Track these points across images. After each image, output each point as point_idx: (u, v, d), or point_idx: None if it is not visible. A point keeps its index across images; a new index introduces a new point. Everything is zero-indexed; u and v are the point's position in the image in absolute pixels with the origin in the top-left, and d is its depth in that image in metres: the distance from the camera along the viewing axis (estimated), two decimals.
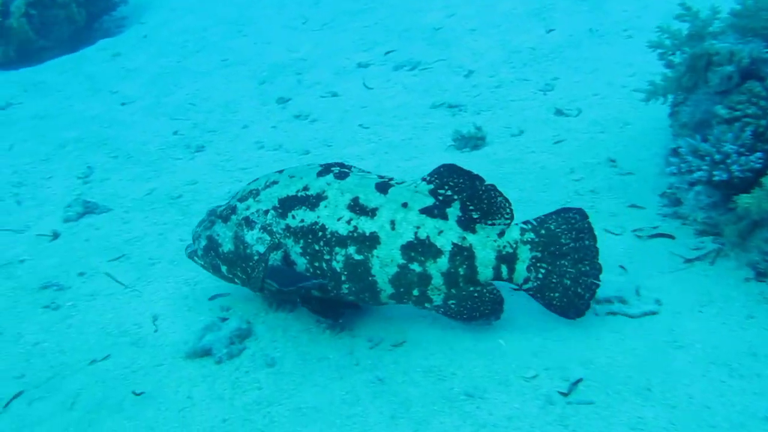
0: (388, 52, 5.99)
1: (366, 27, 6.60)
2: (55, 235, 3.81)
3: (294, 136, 4.83)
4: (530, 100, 4.79)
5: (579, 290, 2.56)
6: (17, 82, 6.37)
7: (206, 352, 2.79)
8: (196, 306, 3.08)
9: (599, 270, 2.57)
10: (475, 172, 2.62)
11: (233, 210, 2.85)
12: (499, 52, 5.68)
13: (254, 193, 2.82)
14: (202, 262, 2.94)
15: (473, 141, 4.26)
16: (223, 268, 2.86)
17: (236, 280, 2.89)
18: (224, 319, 2.94)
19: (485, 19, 6.29)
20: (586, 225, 2.58)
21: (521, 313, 2.77)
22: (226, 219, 2.86)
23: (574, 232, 2.57)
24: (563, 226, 2.57)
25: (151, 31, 7.45)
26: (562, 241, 2.56)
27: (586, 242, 2.57)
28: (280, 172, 2.87)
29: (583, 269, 2.56)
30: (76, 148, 4.94)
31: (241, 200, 2.86)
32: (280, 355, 2.76)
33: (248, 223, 2.78)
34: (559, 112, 4.46)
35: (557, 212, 2.61)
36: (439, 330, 2.78)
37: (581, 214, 2.59)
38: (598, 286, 2.57)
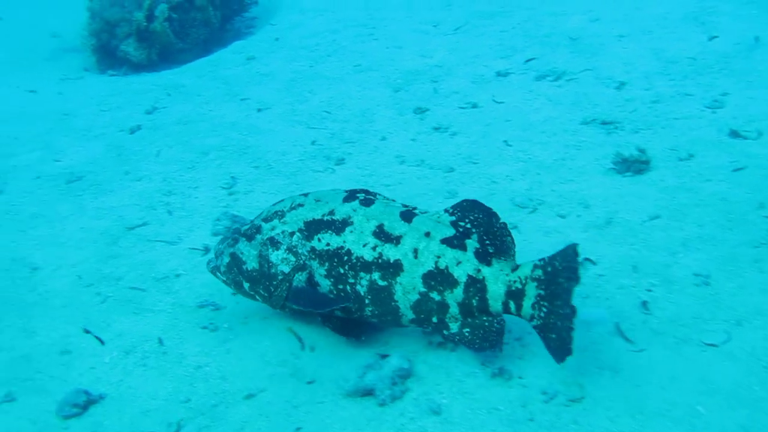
0: (528, 60, 5.70)
1: (503, 32, 6.33)
2: (207, 250, 3.84)
3: (435, 150, 4.67)
4: (696, 118, 4.38)
5: (563, 334, 2.47)
6: (161, 85, 6.58)
7: (368, 392, 2.68)
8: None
9: (574, 311, 2.45)
10: (494, 210, 2.69)
11: (258, 230, 2.92)
12: (652, 61, 5.26)
13: (279, 215, 2.89)
14: (224, 278, 3.02)
15: (636, 165, 3.92)
16: (246, 285, 2.94)
17: (257, 297, 2.97)
18: (384, 356, 2.82)
19: (634, 24, 5.85)
20: (576, 265, 2.46)
21: (720, 376, 2.47)
22: (250, 238, 2.93)
23: (569, 271, 2.47)
24: (563, 265, 2.49)
25: (282, 33, 7.51)
26: (560, 280, 2.49)
27: (572, 284, 2.46)
28: (306, 195, 2.95)
29: (566, 311, 2.46)
30: (218, 156, 5.01)
31: (266, 220, 2.93)
32: (446, 402, 2.61)
33: (273, 243, 2.85)
34: (734, 134, 4.04)
35: (565, 249, 2.52)
36: (623, 388, 2.54)
37: (574, 252, 2.48)
38: (572, 330, 2.44)
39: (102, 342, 3.18)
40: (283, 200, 3.00)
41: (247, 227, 3.00)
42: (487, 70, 5.70)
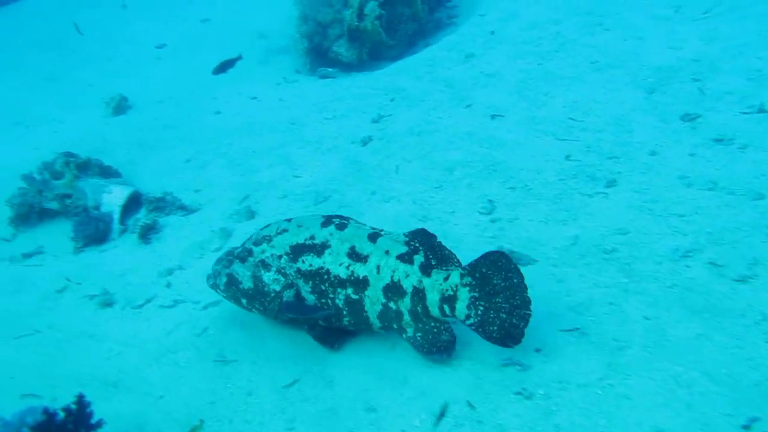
0: None
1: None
2: None
3: (726, 169, 4.04)
4: None
5: (514, 321, 2.90)
6: (380, 89, 6.42)
7: None
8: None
9: (529, 302, 2.90)
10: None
11: (250, 252, 3.38)
12: None
13: (267, 239, 3.34)
14: (225, 294, 3.47)
15: None
16: (243, 301, 3.40)
17: (254, 310, 3.42)
18: None
19: None
20: (512, 266, 2.91)
21: None
22: (243, 260, 3.39)
23: (503, 273, 2.90)
24: (492, 269, 2.92)
25: (496, 26, 7.06)
26: (494, 281, 2.90)
27: (515, 280, 2.90)
28: (288, 221, 3.38)
29: (515, 303, 2.90)
30: (465, 174, 4.72)
31: (255, 244, 3.38)
32: None
33: (264, 265, 3.31)
34: None
35: (483, 257, 2.94)
36: None
37: (505, 257, 2.91)
38: (530, 315, 2.91)
39: None
40: (269, 225, 3.44)
41: (239, 250, 3.45)
42: (766, 64, 4.89)
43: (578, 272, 3.54)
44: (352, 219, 3.34)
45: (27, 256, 4.96)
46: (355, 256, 3.14)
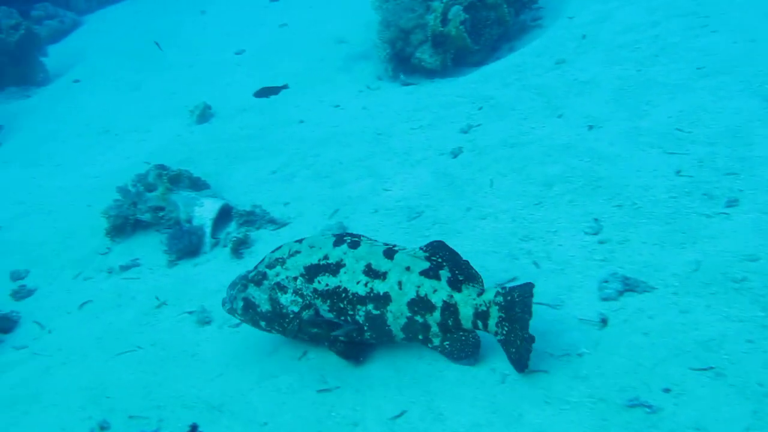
0: None
1: None
2: (604, 322, 3.34)
3: None
4: None
5: (522, 351, 3.03)
6: (466, 96, 6.25)
7: None
8: None
9: (532, 340, 3.03)
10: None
11: (264, 276, 3.43)
12: None
13: (281, 261, 3.40)
14: (242, 318, 3.51)
15: None
16: (262, 323, 3.46)
17: (273, 331, 3.49)
18: None
19: None
20: (530, 301, 3.02)
21: None
22: (258, 283, 3.43)
23: (524, 306, 3.02)
24: (520, 298, 3.04)
25: (587, 29, 6.75)
26: (516, 310, 3.04)
27: (527, 316, 3.02)
28: (300, 242, 3.45)
29: (524, 336, 3.02)
30: (565, 190, 4.49)
31: (269, 267, 3.43)
32: None
33: (281, 287, 3.37)
34: None
35: (522, 286, 3.08)
36: None
37: (532, 292, 3.04)
38: (531, 351, 3.03)
39: None
40: (280, 247, 3.49)
41: (253, 274, 3.49)
42: None
43: (704, 303, 3.28)
44: (363, 236, 3.43)
45: (124, 268, 5.05)
46: (372, 273, 3.25)
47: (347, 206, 5.05)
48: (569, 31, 6.89)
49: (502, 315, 3.08)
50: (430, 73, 7.17)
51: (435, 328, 3.22)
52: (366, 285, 3.24)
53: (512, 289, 3.10)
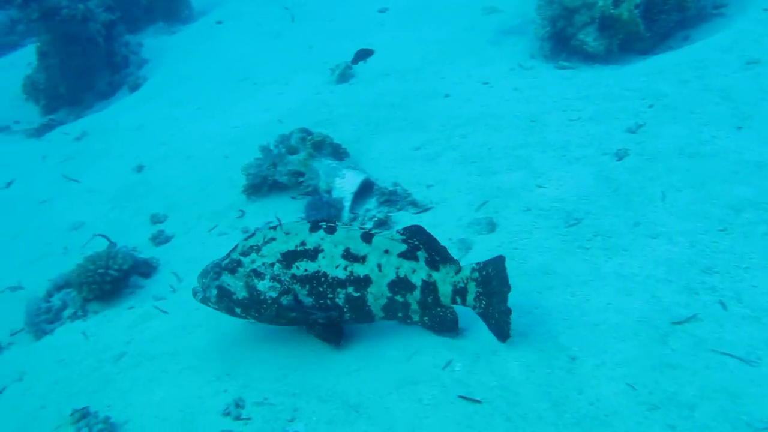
0: None
1: None
2: None
3: None
4: None
5: (502, 324, 3.28)
6: (635, 90, 5.64)
7: None
8: None
9: (510, 312, 3.26)
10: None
11: (239, 263, 3.42)
12: None
13: (256, 249, 3.40)
14: (216, 306, 3.52)
15: None
16: (237, 310, 3.47)
17: (248, 317, 3.51)
18: None
19: None
20: (506, 275, 3.24)
21: None
22: (233, 271, 3.42)
23: (500, 279, 3.24)
24: (494, 272, 3.25)
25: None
26: (493, 284, 3.24)
27: (504, 289, 3.24)
28: (274, 228, 3.45)
29: (502, 309, 3.25)
30: (759, 218, 3.91)
31: (243, 255, 3.42)
32: None
33: (257, 274, 3.37)
34: None
35: (493, 260, 3.27)
36: None
37: (504, 265, 3.24)
38: (510, 324, 3.27)
39: None
40: (254, 235, 3.49)
41: (226, 261, 3.47)
42: None
43: None
44: (339, 222, 3.54)
45: (245, 230, 4.97)
46: (351, 257, 3.33)
47: (496, 199, 4.70)
48: (764, 25, 6.06)
49: (480, 290, 3.28)
50: (591, 58, 6.57)
51: (414, 306, 3.38)
52: (345, 269, 3.33)
53: (486, 263, 3.28)
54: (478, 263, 3.31)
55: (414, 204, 4.84)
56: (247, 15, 10.21)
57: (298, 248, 3.36)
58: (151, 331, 4.05)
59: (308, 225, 3.43)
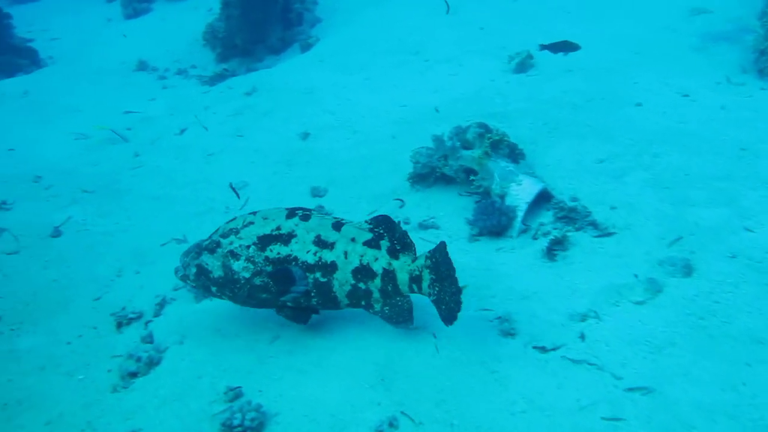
0: None
1: None
2: None
3: None
4: None
5: (452, 305, 3.38)
6: None
7: None
8: None
9: (460, 291, 3.36)
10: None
11: (218, 244, 3.61)
12: None
13: (235, 231, 3.60)
14: (194, 284, 3.71)
15: None
16: (213, 289, 3.65)
17: (224, 297, 3.67)
18: None
19: None
20: (450, 259, 3.38)
21: None
22: (212, 251, 3.61)
23: (447, 264, 3.38)
24: (441, 259, 3.39)
25: None
26: (442, 269, 3.40)
27: (452, 273, 3.37)
28: (254, 214, 3.66)
29: (453, 290, 3.38)
30: None
31: (223, 236, 3.62)
32: None
33: (233, 255, 3.55)
34: None
35: (438, 247, 3.40)
36: None
37: (445, 248, 3.38)
38: (461, 303, 3.37)
39: None
40: (235, 218, 3.70)
41: (207, 242, 3.65)
42: None
43: None
44: (314, 210, 3.67)
45: (423, 227, 4.75)
46: (321, 243, 3.47)
47: (693, 237, 4.14)
48: None
49: (433, 276, 3.42)
50: None
51: (376, 294, 3.50)
52: (315, 254, 3.47)
53: (434, 251, 3.42)
54: (429, 251, 3.47)
55: (594, 225, 4.39)
56: None
57: (274, 233, 3.53)
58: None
59: (286, 212, 3.60)
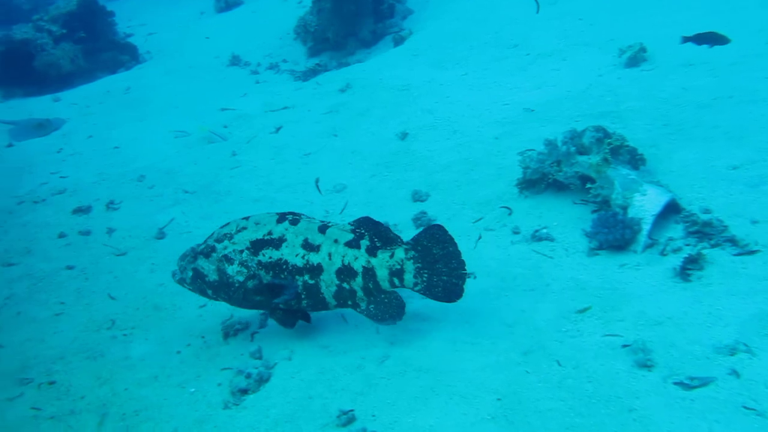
0: None
1: None
2: None
3: None
4: None
5: (454, 280, 3.52)
6: None
7: None
8: None
9: (464, 263, 3.52)
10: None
11: (213, 249, 3.72)
12: None
13: (228, 236, 3.71)
14: (191, 287, 3.82)
15: None
16: (209, 292, 3.79)
17: (219, 299, 3.81)
18: None
19: None
20: (448, 236, 3.50)
21: None
22: (207, 255, 3.72)
23: (440, 243, 3.48)
24: (432, 241, 3.48)
25: None
26: (434, 251, 3.48)
27: (450, 249, 3.50)
28: (246, 219, 3.75)
29: (452, 266, 3.50)
30: None
31: (218, 241, 3.72)
32: None
33: (228, 259, 3.68)
34: None
35: (424, 231, 3.51)
36: None
37: (441, 229, 3.51)
38: (466, 273, 3.55)
39: None
40: (228, 224, 3.79)
41: (202, 247, 3.78)
42: None
43: None
44: (303, 215, 3.73)
45: (536, 238, 4.46)
46: (308, 246, 3.58)
47: None
48: None
49: (419, 265, 3.49)
50: None
51: (360, 293, 3.60)
52: (303, 257, 3.59)
53: (417, 237, 3.50)
54: (409, 241, 3.53)
55: (733, 242, 3.97)
56: None
57: (266, 237, 3.64)
58: (420, 336, 3.77)
59: (276, 216, 3.70)
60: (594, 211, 4.49)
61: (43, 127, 7.82)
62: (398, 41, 8.73)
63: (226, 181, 6.13)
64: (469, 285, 3.95)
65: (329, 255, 3.58)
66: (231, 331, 4.11)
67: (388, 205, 5.32)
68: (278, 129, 6.98)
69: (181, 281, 3.86)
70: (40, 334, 4.32)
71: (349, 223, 3.69)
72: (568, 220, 4.58)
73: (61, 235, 5.51)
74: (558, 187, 4.84)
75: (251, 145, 6.78)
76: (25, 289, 4.85)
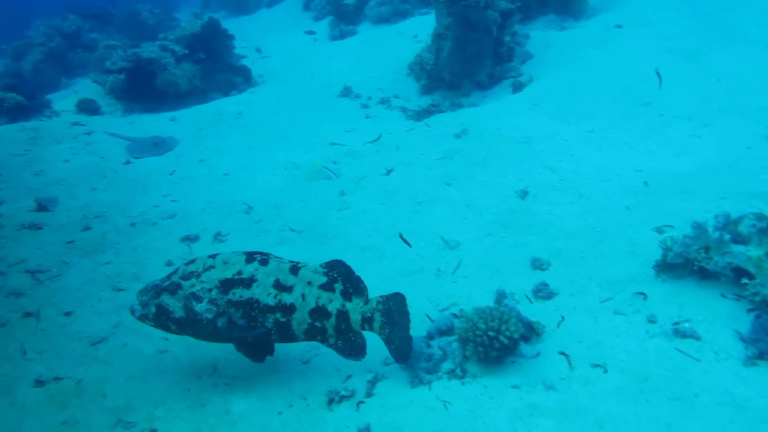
0: None
1: None
2: None
3: None
4: None
5: (404, 347, 3.83)
6: None
7: None
8: None
9: (411, 339, 3.85)
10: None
11: (179, 286, 3.78)
12: None
13: (195, 275, 3.79)
14: (153, 323, 3.85)
15: None
16: (173, 327, 3.84)
17: (184, 335, 3.88)
18: None
19: None
20: (407, 310, 3.83)
21: None
22: (172, 293, 3.78)
23: (401, 312, 3.82)
24: (395, 306, 3.80)
25: None
26: (395, 316, 3.80)
27: (405, 321, 3.82)
28: (213, 257, 3.84)
29: (403, 336, 3.82)
30: None
31: (184, 279, 3.80)
32: None
33: (196, 297, 3.75)
34: None
35: (393, 295, 3.83)
36: None
37: (405, 302, 3.83)
38: (411, 349, 3.88)
39: None
40: (194, 261, 3.86)
41: (167, 283, 3.82)
42: None
43: None
44: (271, 254, 3.87)
45: (678, 333, 3.97)
46: (280, 287, 3.75)
47: None
48: None
49: (384, 320, 3.80)
50: None
51: (331, 331, 3.80)
52: (275, 297, 3.73)
53: (388, 298, 3.82)
54: (381, 296, 3.82)
55: None
56: (654, 23, 8.94)
57: (236, 277, 3.74)
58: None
59: (244, 256, 3.80)
60: (750, 310, 3.97)
61: (157, 146, 7.97)
62: (517, 87, 8.40)
63: (333, 222, 5.95)
64: (600, 381, 3.54)
65: (302, 296, 3.76)
66: (336, 398, 3.86)
67: (504, 269, 4.96)
68: (389, 171, 6.78)
69: (143, 317, 3.86)
70: (144, 371, 4.22)
71: (320, 265, 3.86)
72: (716, 316, 4.07)
73: (169, 264, 5.47)
74: (702, 274, 4.33)
75: (360, 185, 6.61)
76: (132, 319, 4.80)
